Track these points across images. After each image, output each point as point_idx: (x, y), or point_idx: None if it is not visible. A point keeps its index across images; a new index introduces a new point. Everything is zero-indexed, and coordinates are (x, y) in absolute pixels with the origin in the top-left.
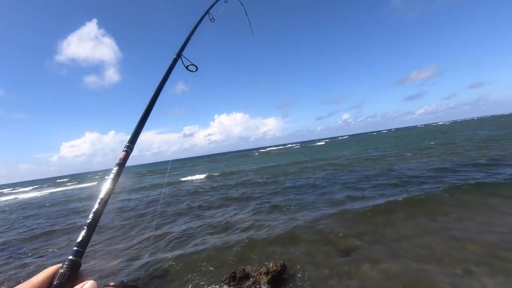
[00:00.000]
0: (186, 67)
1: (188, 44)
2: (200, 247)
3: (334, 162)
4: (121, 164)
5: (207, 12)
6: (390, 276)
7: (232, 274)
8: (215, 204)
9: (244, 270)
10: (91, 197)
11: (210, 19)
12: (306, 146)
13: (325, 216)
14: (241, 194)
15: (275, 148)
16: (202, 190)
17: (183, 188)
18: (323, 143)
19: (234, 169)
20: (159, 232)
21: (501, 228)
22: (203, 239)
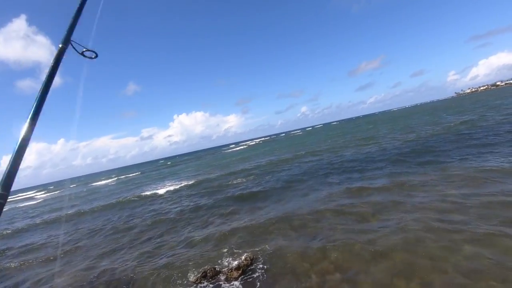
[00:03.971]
0: (82, 53)
1: (78, 27)
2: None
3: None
4: None
5: None
6: None
7: (203, 273)
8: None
9: (214, 268)
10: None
11: None
12: (269, 141)
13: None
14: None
15: (242, 146)
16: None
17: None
18: (283, 135)
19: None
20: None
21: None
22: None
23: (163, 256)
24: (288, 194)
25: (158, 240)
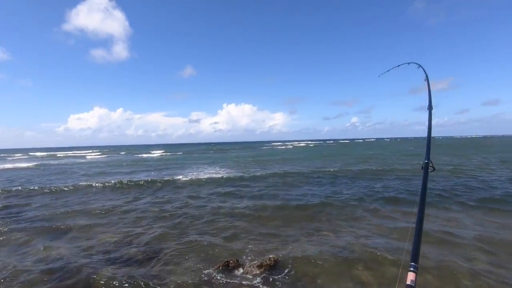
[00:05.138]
0: None
1: None
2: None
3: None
4: None
5: None
6: None
7: (225, 263)
8: None
9: (237, 260)
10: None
11: None
12: (319, 145)
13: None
14: None
15: (289, 144)
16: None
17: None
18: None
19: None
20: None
21: None
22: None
23: (190, 237)
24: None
25: (188, 221)
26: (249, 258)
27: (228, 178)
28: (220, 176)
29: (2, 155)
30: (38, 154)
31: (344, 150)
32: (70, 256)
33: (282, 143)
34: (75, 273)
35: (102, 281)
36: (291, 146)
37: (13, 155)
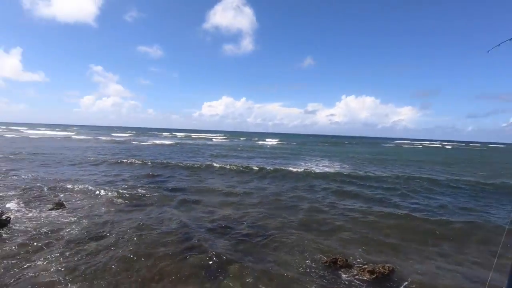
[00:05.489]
0: None
1: None
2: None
3: None
4: None
5: None
6: None
7: (333, 259)
8: None
9: (346, 260)
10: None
11: None
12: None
13: None
14: None
15: (418, 143)
16: None
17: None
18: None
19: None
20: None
21: None
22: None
23: (299, 228)
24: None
25: (297, 213)
26: (358, 261)
27: (342, 174)
28: (333, 171)
29: (155, 133)
30: (178, 134)
31: (497, 156)
32: (189, 223)
33: (409, 142)
34: (189, 239)
35: (209, 253)
36: (420, 146)
37: (161, 133)
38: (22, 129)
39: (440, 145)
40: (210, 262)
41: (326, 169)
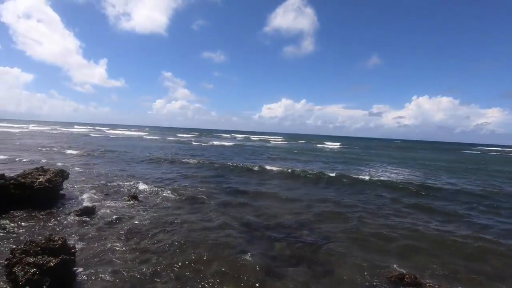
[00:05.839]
0: None
1: None
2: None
3: None
4: None
5: None
6: None
7: (400, 275)
8: None
9: (415, 278)
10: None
11: None
12: None
13: None
14: None
15: (509, 150)
16: None
17: None
18: None
19: None
20: None
21: None
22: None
23: (362, 239)
24: None
25: (364, 223)
26: (429, 281)
27: (412, 184)
28: (402, 179)
29: (216, 134)
30: (238, 136)
31: None
32: (239, 225)
33: (499, 149)
34: (236, 238)
35: (261, 258)
36: None
37: (221, 135)
38: (105, 129)
39: None
40: (258, 268)
41: (394, 177)
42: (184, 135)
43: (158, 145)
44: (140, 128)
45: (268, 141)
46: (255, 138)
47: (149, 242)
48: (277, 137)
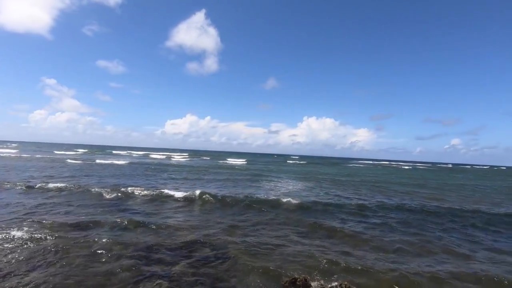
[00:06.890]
0: None
1: None
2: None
3: None
4: None
5: None
6: None
7: (293, 280)
8: None
9: (306, 280)
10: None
11: None
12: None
13: None
14: None
15: (374, 163)
16: None
17: None
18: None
19: None
20: None
21: None
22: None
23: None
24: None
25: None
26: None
27: (317, 203)
28: (304, 199)
29: (109, 151)
30: (137, 153)
31: (453, 178)
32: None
33: (370, 162)
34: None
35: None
36: (380, 166)
37: (118, 152)
38: None
39: (396, 165)
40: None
41: (305, 198)
42: (66, 153)
43: (14, 164)
44: (2, 144)
45: (170, 158)
46: (156, 156)
47: None
48: (181, 153)
